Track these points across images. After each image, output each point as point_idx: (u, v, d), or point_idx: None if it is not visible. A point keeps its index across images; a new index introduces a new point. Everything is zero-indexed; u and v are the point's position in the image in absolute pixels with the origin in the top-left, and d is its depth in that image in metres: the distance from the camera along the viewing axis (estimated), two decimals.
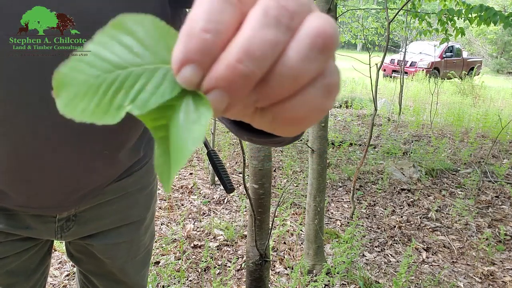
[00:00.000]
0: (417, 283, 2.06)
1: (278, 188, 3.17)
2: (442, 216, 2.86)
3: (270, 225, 1.46)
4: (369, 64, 2.64)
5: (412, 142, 4.62)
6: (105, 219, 0.80)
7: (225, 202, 2.91)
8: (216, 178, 3.24)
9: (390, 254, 2.33)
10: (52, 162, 0.65)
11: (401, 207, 2.99)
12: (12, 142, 0.61)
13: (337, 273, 1.95)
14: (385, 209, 2.92)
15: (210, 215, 2.70)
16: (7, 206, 0.71)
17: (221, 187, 3.15)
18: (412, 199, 3.11)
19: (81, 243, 0.83)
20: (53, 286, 1.88)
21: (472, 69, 12.73)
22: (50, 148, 0.63)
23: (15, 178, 0.66)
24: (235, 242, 2.34)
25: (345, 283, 1.99)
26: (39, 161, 0.64)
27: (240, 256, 2.20)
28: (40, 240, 0.79)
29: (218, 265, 2.10)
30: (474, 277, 2.14)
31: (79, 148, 0.65)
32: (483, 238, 2.50)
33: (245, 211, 2.68)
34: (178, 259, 2.12)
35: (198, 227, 2.50)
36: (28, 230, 0.74)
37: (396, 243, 2.47)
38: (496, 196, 3.22)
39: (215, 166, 0.87)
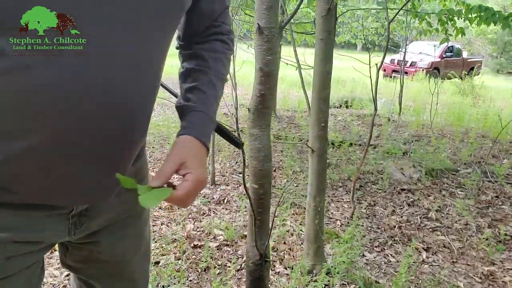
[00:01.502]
0: (417, 283, 2.06)
1: (278, 188, 3.17)
2: (442, 216, 2.86)
3: (270, 225, 1.46)
4: (369, 64, 2.64)
5: (412, 142, 4.62)
6: (112, 212, 0.80)
7: (225, 202, 2.91)
8: (217, 179, 3.24)
9: (390, 254, 2.33)
10: (85, 151, 0.65)
11: (401, 207, 2.99)
12: (49, 132, 0.62)
13: (337, 273, 1.95)
14: (385, 209, 2.92)
15: (210, 215, 2.70)
16: (30, 201, 0.68)
17: (222, 187, 3.15)
18: (412, 199, 3.11)
19: (85, 248, 0.81)
20: (53, 286, 1.88)
21: (472, 69, 12.73)
22: (88, 137, 0.64)
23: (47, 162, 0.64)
24: (235, 242, 2.34)
25: (345, 283, 1.99)
26: (75, 151, 0.64)
27: (240, 256, 2.20)
28: (45, 250, 0.77)
29: (218, 265, 2.10)
30: (474, 277, 2.14)
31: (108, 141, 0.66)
32: (483, 238, 2.50)
33: (245, 211, 2.68)
34: (178, 259, 2.12)
35: (198, 227, 2.50)
36: (44, 233, 0.72)
37: (396, 243, 2.47)
38: (496, 196, 3.22)
39: (220, 130, 0.92)
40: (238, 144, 0.95)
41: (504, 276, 2.15)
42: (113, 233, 0.82)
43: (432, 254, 2.37)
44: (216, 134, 0.95)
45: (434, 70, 12.15)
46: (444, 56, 12.68)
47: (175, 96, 0.92)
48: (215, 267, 2.06)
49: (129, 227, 0.85)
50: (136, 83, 0.67)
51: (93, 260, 0.83)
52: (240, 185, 3.17)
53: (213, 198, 2.94)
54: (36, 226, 0.71)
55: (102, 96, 0.63)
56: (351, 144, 4.38)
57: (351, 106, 7.09)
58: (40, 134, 0.61)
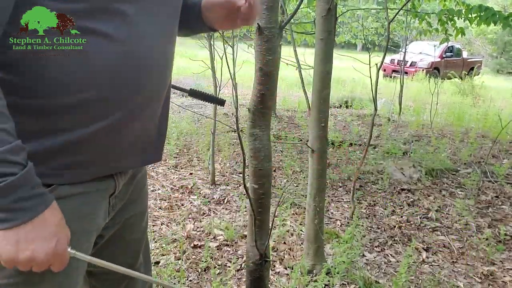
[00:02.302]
0: (417, 283, 2.06)
1: (278, 188, 3.17)
2: (442, 216, 2.86)
3: (270, 225, 1.46)
4: (369, 64, 2.64)
5: (412, 142, 4.62)
6: (128, 193, 0.87)
7: (225, 202, 2.91)
8: (217, 179, 3.24)
9: (390, 254, 2.33)
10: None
11: (401, 207, 2.99)
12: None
13: (337, 273, 1.95)
14: (385, 209, 2.92)
15: (210, 215, 2.70)
16: (102, 172, 0.76)
17: (222, 187, 3.15)
18: (412, 199, 3.11)
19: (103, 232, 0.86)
20: None
21: (472, 69, 12.74)
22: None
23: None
24: (235, 242, 2.34)
25: (345, 283, 1.99)
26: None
27: (240, 256, 2.20)
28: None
29: (218, 265, 2.10)
30: (474, 277, 2.14)
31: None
32: (483, 238, 2.50)
33: (245, 211, 2.68)
34: (178, 259, 2.12)
35: (198, 227, 2.50)
36: (95, 221, 0.79)
37: (396, 243, 2.47)
38: (496, 196, 3.22)
39: (201, 94, 1.03)
40: (219, 101, 1.00)
41: (504, 276, 2.15)
42: (132, 211, 0.90)
43: (432, 254, 2.37)
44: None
45: (434, 70, 12.15)
46: (444, 56, 12.68)
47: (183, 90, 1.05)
48: (215, 267, 2.06)
49: (143, 203, 0.95)
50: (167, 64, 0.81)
51: (108, 243, 0.89)
52: (240, 185, 3.17)
53: (213, 198, 2.94)
54: (93, 213, 0.77)
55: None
56: (351, 144, 4.38)
57: (351, 106, 7.08)
58: (130, 104, 0.72)
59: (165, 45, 0.79)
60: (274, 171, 3.51)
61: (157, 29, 0.75)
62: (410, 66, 11.92)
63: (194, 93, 1.00)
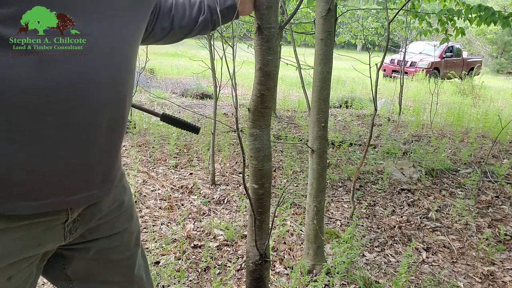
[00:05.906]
0: (417, 283, 2.06)
1: (278, 188, 3.17)
2: (442, 216, 2.86)
3: (270, 225, 1.46)
4: (369, 64, 2.64)
5: (412, 142, 4.62)
6: (104, 210, 0.83)
7: (225, 202, 2.91)
8: (217, 179, 3.24)
9: (390, 254, 2.33)
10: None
11: (401, 207, 2.99)
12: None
13: (337, 273, 1.95)
14: (385, 209, 2.92)
15: (210, 215, 2.70)
16: (46, 208, 0.70)
17: (222, 187, 3.15)
18: (412, 199, 3.11)
19: (80, 248, 0.82)
20: None
21: (472, 69, 12.74)
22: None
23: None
24: (235, 242, 2.34)
25: (345, 283, 1.99)
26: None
27: (240, 256, 2.20)
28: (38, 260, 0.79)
29: (218, 265, 2.10)
30: (474, 277, 2.14)
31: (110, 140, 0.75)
32: (483, 238, 2.50)
33: (245, 211, 2.68)
34: (178, 259, 2.12)
35: (198, 227, 2.50)
36: (45, 245, 0.75)
37: (396, 243, 2.47)
38: (496, 196, 3.22)
39: (175, 121, 1.00)
40: (196, 128, 1.00)
41: (504, 276, 2.15)
42: (111, 230, 0.86)
43: (432, 254, 2.37)
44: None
45: (434, 70, 12.15)
46: (444, 56, 12.69)
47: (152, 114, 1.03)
48: (215, 267, 2.06)
49: (123, 223, 0.89)
50: (127, 78, 0.74)
51: (92, 267, 0.85)
52: (240, 185, 3.17)
53: (213, 198, 2.94)
54: (36, 241, 0.72)
55: (108, 91, 0.69)
56: (351, 144, 4.38)
57: (351, 106, 7.09)
58: (63, 129, 0.66)
59: (122, 69, 0.72)
60: (274, 171, 3.51)
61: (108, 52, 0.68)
62: (410, 66, 11.92)
63: (167, 118, 0.99)
